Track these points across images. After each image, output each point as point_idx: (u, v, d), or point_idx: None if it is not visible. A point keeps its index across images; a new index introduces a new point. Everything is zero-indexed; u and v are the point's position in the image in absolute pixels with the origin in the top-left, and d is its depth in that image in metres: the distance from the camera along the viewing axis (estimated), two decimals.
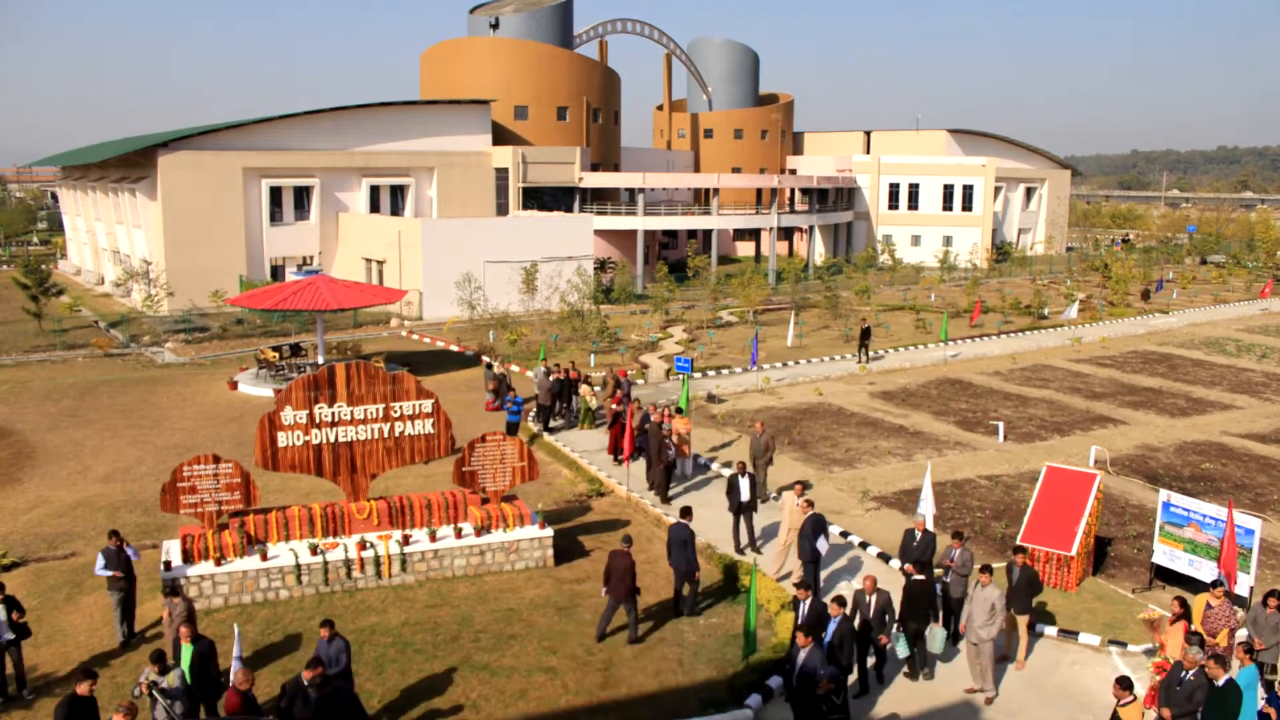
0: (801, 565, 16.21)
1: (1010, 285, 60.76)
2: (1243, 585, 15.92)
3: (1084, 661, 14.73)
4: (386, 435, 17.10)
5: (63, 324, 41.67)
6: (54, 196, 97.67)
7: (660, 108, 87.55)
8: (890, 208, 76.52)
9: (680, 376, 29.66)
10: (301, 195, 53.04)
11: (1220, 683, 11.26)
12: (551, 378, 27.24)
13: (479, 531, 17.30)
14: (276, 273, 51.86)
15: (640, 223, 59.98)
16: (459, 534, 17.35)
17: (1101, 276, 55.77)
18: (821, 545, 15.93)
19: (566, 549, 18.11)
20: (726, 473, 21.99)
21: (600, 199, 62.99)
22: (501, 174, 58.69)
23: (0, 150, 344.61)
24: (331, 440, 16.79)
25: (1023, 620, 14.55)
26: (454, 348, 39.00)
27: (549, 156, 59.78)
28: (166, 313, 45.58)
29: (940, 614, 14.57)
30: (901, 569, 15.72)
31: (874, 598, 13.81)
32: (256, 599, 15.93)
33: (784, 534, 17.41)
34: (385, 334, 42.74)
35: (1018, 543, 16.83)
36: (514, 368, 34.02)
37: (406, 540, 16.95)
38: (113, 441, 25.80)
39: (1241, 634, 13.02)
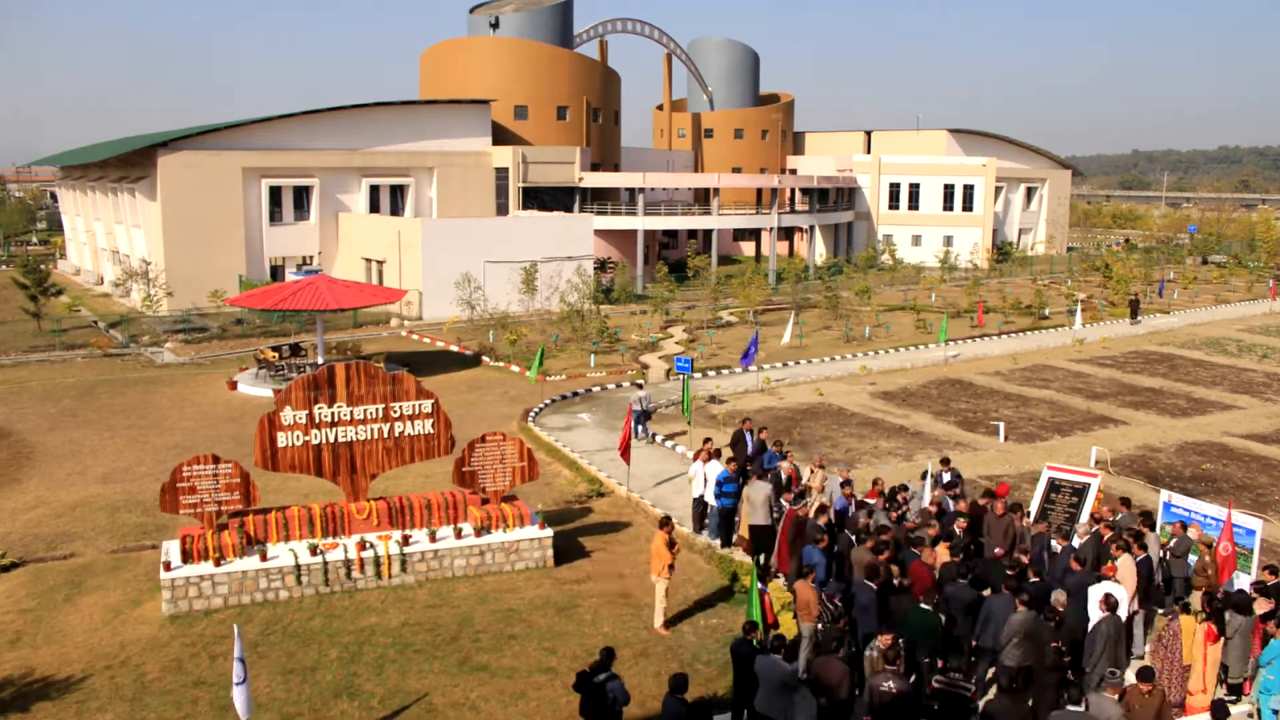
0: None
1: (1011, 285, 60.73)
2: (1243, 585, 15.86)
3: None
4: (386, 435, 17.07)
5: (62, 324, 41.64)
6: (53, 196, 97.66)
7: (660, 108, 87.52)
8: (891, 208, 76.49)
9: (680, 377, 29.64)
10: (301, 195, 53.02)
11: None
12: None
13: (479, 532, 17.26)
14: (276, 273, 51.83)
15: (640, 223, 59.96)
16: (459, 534, 17.32)
17: (1102, 277, 55.78)
18: None
19: (567, 549, 18.07)
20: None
21: (600, 199, 62.94)
22: (501, 174, 58.66)
23: (0, 150, 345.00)
24: (331, 440, 16.76)
25: None
26: (454, 348, 38.98)
27: (549, 156, 59.75)
28: (166, 313, 45.57)
29: None
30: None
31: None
32: (256, 599, 15.90)
33: None
34: (385, 334, 42.73)
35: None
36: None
37: (406, 540, 16.92)
38: (112, 442, 25.77)
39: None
